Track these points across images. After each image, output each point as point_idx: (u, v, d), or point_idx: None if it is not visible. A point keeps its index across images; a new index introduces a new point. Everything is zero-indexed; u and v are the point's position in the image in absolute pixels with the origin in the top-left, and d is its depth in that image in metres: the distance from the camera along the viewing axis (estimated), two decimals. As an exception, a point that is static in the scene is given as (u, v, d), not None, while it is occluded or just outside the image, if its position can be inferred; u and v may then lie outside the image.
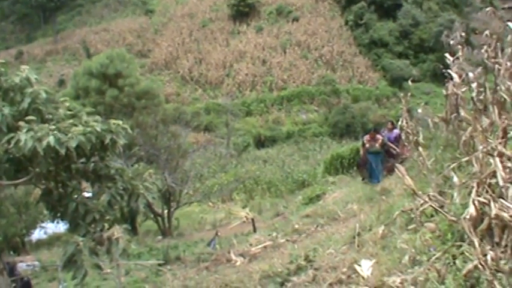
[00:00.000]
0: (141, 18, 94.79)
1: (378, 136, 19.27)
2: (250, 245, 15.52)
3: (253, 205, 33.10)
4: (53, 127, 8.47)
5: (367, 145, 19.16)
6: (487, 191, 6.18)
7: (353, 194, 16.56)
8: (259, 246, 14.81)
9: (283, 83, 70.10)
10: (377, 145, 18.85)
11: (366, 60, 73.57)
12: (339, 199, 17.60)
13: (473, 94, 10.25)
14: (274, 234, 15.96)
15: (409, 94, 15.99)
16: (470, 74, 10.41)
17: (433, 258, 6.31)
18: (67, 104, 9.82)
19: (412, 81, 60.30)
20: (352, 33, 77.79)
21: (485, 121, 9.04)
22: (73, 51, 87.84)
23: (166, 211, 29.05)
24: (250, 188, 39.53)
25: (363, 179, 19.65)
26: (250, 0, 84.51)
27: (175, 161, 29.12)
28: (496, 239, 5.73)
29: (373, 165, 18.75)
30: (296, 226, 15.38)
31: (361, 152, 20.15)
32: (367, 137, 19.57)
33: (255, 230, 21.99)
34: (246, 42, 78.12)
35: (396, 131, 19.39)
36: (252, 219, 24.18)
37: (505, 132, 7.27)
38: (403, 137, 15.17)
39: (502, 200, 5.68)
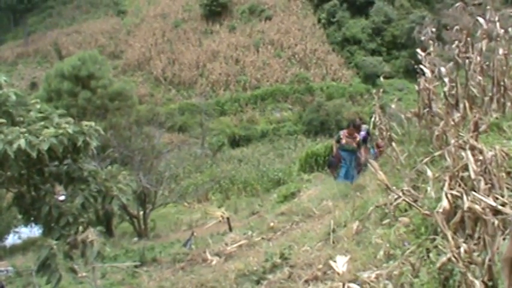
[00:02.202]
0: (113, 19, 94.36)
1: (356, 134, 17.52)
2: (226, 244, 15.50)
3: (229, 204, 33.09)
4: (24, 130, 8.39)
5: (344, 141, 17.34)
6: (459, 184, 6.23)
7: (328, 190, 16.53)
8: (235, 245, 14.80)
9: (256, 82, 70.06)
10: (354, 143, 17.24)
11: (339, 57, 73.77)
12: (313, 196, 17.61)
13: (445, 89, 10.34)
14: (250, 232, 15.97)
15: (382, 90, 16.10)
16: (442, 69, 10.50)
17: (407, 252, 6.36)
18: (38, 106, 9.74)
19: (386, 77, 60.51)
20: (325, 31, 78.01)
21: (457, 115, 9.11)
22: (44, 53, 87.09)
23: (141, 212, 28.92)
24: (225, 188, 39.56)
25: (335, 178, 18.14)
26: (222, 0, 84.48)
27: (149, 162, 28.98)
28: (469, 232, 5.78)
29: (347, 163, 17.34)
30: (271, 224, 15.38)
31: (334, 149, 18.19)
32: (344, 132, 17.59)
33: (230, 229, 21.94)
34: (219, 42, 78.01)
35: (363, 133, 19.27)
36: (228, 219, 24.13)
37: (476, 125, 7.33)
38: (377, 132, 15.28)
39: (474, 192, 5.72)
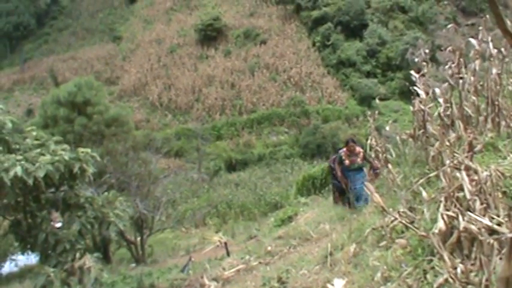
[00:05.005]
0: (108, 45, 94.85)
1: (358, 148, 15.44)
2: (224, 269, 15.40)
3: (227, 229, 33.02)
4: (20, 157, 8.41)
5: (347, 161, 15.29)
6: (455, 205, 6.23)
7: (325, 213, 16.49)
8: (232, 269, 14.72)
9: (252, 106, 70.12)
10: (358, 160, 15.21)
11: (335, 80, 73.85)
12: (311, 219, 17.54)
13: (440, 110, 10.37)
14: (247, 257, 15.87)
15: (377, 112, 16.06)
16: (437, 90, 10.54)
17: (405, 274, 6.34)
18: (34, 133, 9.75)
19: (381, 99, 60.70)
20: (320, 54, 78.24)
21: (452, 136, 9.13)
22: (40, 80, 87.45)
23: (139, 238, 28.83)
24: (223, 212, 39.48)
25: (347, 204, 15.54)
26: (217, 25, 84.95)
27: (146, 188, 28.95)
28: (466, 252, 5.78)
29: (356, 184, 14.96)
30: (269, 248, 15.31)
31: (338, 172, 15.66)
32: (344, 152, 15.47)
33: (228, 254, 21.84)
34: (215, 67, 78.21)
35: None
36: (225, 243, 24.05)
37: (471, 145, 7.35)
38: (373, 155, 15.22)
39: (469, 213, 5.73)
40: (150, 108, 73.23)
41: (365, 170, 15.53)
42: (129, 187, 27.84)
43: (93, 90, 40.52)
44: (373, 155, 15.34)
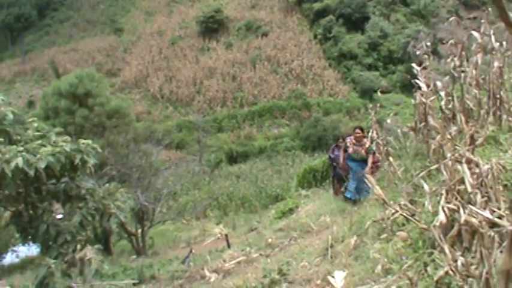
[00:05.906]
0: (110, 37, 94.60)
1: (366, 140, 14.97)
2: (224, 261, 15.41)
3: (227, 221, 32.99)
4: (21, 148, 8.40)
5: (351, 149, 14.78)
6: (456, 198, 6.23)
7: (326, 206, 16.47)
8: (233, 261, 14.73)
9: (253, 98, 69.99)
10: (363, 151, 14.59)
11: (336, 73, 73.66)
12: (311, 212, 17.54)
13: (442, 103, 10.35)
14: (248, 249, 15.88)
15: (379, 105, 16.03)
16: (438, 83, 10.52)
17: (405, 266, 6.35)
18: (35, 124, 9.74)
19: (382, 92, 60.50)
20: (322, 47, 78.03)
21: (454, 129, 9.12)
22: (42, 71, 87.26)
23: (140, 230, 28.83)
24: (224, 204, 39.46)
25: (343, 193, 15.52)
26: (218, 17, 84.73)
27: (147, 180, 28.93)
28: (466, 245, 5.78)
29: (356, 176, 14.40)
30: (269, 240, 15.31)
31: (341, 159, 15.38)
32: (351, 139, 14.96)
33: (229, 246, 21.85)
34: (216, 59, 78.06)
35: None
36: (226, 235, 24.05)
37: (472, 139, 7.34)
38: (374, 147, 15.16)
39: (470, 206, 5.73)
40: (151, 100, 73.14)
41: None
42: (130, 179, 27.83)
43: (95, 82, 40.43)
44: (375, 149, 15.24)
